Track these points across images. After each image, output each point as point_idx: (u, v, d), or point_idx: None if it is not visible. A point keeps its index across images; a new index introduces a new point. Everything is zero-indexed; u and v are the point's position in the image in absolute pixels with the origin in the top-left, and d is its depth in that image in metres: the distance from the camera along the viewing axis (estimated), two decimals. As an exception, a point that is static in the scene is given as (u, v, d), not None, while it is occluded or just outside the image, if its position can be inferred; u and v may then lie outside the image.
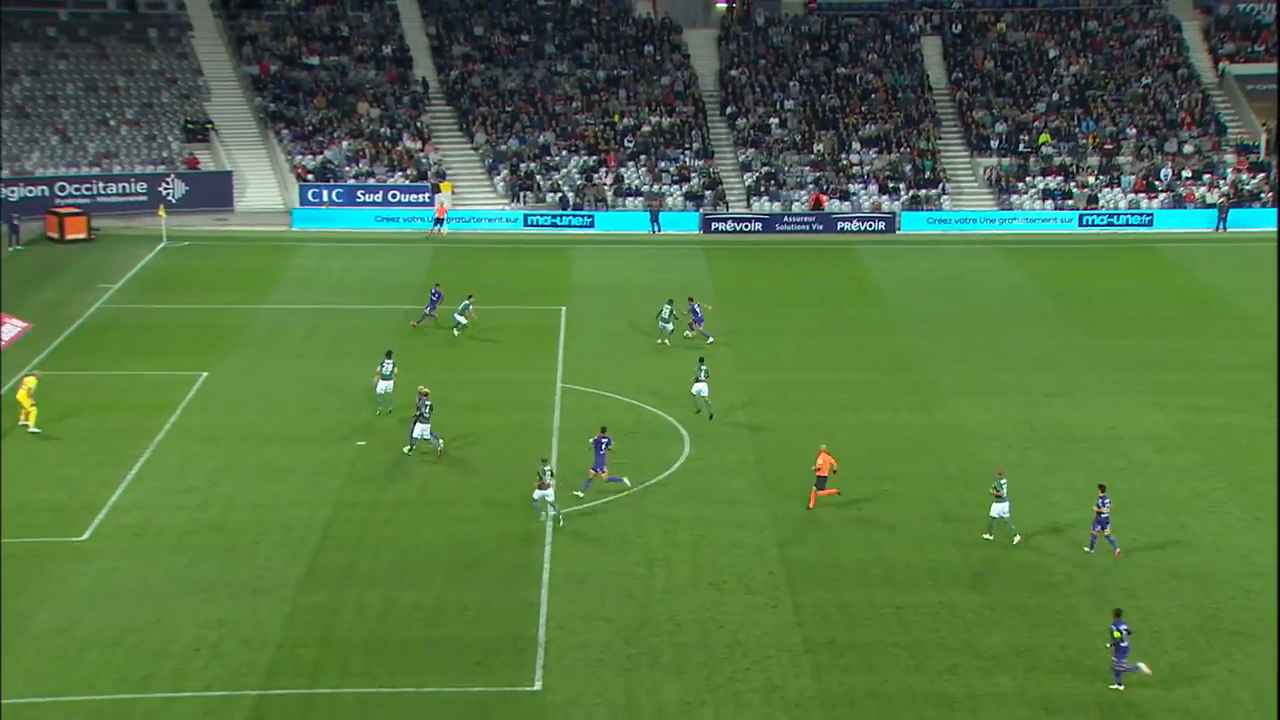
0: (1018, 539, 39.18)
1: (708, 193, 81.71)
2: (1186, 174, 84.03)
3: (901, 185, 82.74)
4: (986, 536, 39.36)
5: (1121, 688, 31.96)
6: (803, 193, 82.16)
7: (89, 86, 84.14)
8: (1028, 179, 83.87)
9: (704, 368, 48.68)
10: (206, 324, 59.49)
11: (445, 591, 36.26)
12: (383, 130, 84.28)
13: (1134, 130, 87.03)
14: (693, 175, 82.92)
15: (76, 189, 77.62)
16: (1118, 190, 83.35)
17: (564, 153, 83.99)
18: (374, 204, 79.56)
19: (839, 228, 79.91)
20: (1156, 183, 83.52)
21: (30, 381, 47.38)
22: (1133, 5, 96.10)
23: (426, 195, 79.35)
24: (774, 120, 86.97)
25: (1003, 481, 39.14)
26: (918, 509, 41.54)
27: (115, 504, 41.19)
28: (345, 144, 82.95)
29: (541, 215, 79.65)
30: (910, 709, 31.33)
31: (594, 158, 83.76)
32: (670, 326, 56.82)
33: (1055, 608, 35.33)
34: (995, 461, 43.09)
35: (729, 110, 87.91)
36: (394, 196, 79.73)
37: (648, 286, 60.39)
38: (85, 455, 44.81)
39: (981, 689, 32.12)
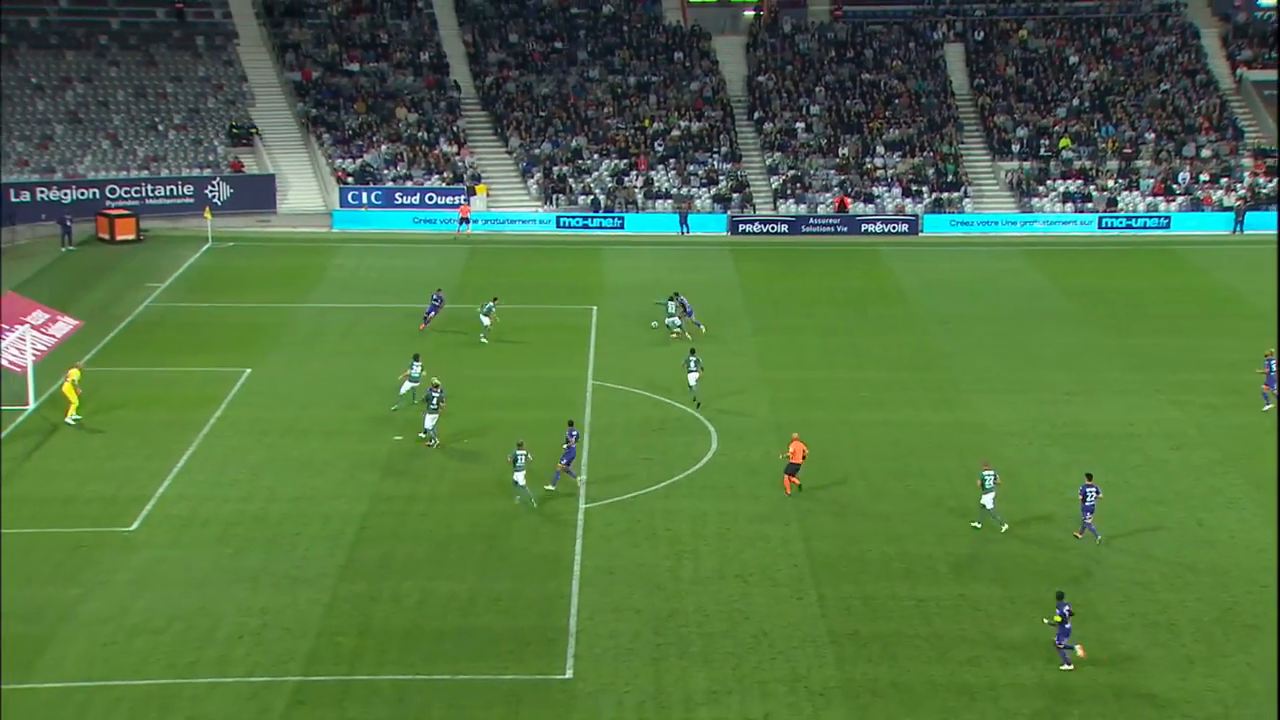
0: (1005, 527, 39.84)
1: (735, 195, 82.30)
2: (1204, 177, 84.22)
3: (924, 188, 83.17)
4: (975, 525, 40.14)
5: (1070, 667, 32.64)
6: (828, 195, 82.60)
7: (138, 93, 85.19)
8: (1048, 182, 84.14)
9: (695, 358, 49.78)
10: (250, 322, 60.24)
11: (479, 582, 36.68)
12: (420, 134, 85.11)
13: (1153, 135, 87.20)
14: (721, 178, 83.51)
15: (126, 191, 78.74)
16: (1136, 193, 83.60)
17: (595, 156, 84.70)
18: (412, 206, 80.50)
19: (863, 229, 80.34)
20: (1175, 186, 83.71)
21: (74, 374, 48.06)
22: (1152, 12, 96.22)
23: (462, 198, 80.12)
24: (800, 125, 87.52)
25: (987, 474, 39.90)
26: (939, 504, 41.99)
27: (162, 496, 41.85)
28: (384, 148, 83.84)
29: (573, 217, 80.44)
30: (932, 698, 31.64)
31: (625, 161, 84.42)
32: (678, 321, 57.93)
33: (1074, 600, 35.17)
34: (1014, 459, 43.68)
35: (756, 115, 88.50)
36: (431, 199, 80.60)
37: (677, 286, 60.84)
38: (134, 449, 45.45)
39: (1002, 679, 32.42)
